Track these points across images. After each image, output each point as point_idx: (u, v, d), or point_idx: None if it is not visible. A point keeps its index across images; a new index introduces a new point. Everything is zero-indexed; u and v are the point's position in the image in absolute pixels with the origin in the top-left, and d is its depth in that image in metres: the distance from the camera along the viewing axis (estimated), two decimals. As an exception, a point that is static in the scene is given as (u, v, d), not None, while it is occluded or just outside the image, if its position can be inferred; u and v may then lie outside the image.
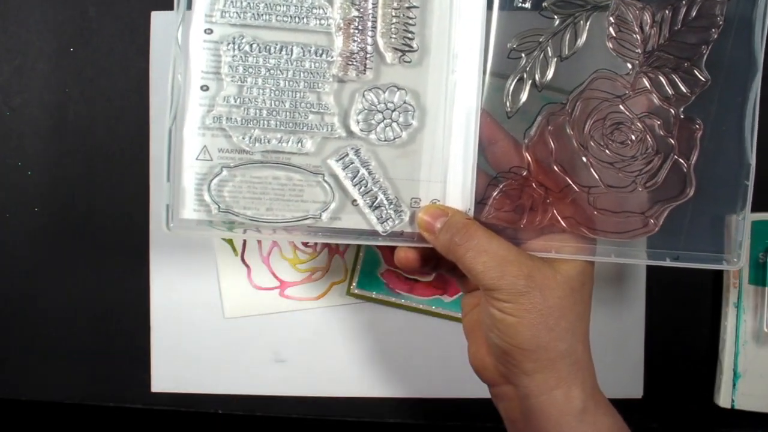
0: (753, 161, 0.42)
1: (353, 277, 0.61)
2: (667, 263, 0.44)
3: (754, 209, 0.56)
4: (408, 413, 0.62)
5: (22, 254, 0.61)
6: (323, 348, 0.61)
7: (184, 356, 0.61)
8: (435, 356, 0.61)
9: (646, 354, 0.61)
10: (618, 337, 0.60)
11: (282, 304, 0.61)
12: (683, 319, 0.61)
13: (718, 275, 0.60)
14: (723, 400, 0.59)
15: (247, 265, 0.61)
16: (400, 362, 0.61)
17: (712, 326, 0.61)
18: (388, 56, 0.43)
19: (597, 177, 0.43)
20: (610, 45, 0.42)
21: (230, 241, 0.60)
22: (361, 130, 0.43)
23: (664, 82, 0.42)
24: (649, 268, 0.60)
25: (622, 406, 0.60)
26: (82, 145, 0.60)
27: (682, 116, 0.43)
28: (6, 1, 0.60)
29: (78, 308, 0.61)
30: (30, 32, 0.60)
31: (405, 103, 0.43)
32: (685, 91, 0.42)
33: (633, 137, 0.43)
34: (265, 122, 0.43)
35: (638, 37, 0.42)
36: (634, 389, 0.61)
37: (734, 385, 0.58)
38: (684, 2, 0.42)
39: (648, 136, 0.42)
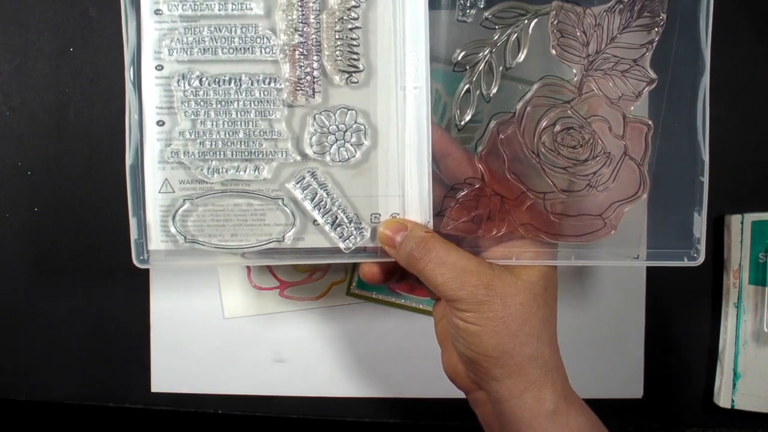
0: (706, 158, 0.42)
1: (353, 277, 0.62)
2: (627, 263, 0.44)
3: (754, 209, 0.56)
4: (408, 413, 0.63)
5: (22, 254, 0.62)
6: (323, 348, 0.62)
7: (183, 356, 0.62)
8: (435, 356, 0.61)
9: (646, 354, 0.61)
10: (618, 337, 0.60)
11: (282, 304, 0.62)
12: (683, 319, 0.61)
13: (718, 275, 0.60)
14: (723, 400, 0.59)
15: (246, 265, 0.61)
16: (399, 362, 0.62)
17: (712, 326, 0.61)
18: (336, 79, 0.43)
19: (551, 183, 0.43)
20: (553, 51, 0.42)
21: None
22: (315, 153, 0.44)
23: (610, 84, 0.42)
24: (649, 268, 0.60)
25: (622, 406, 0.61)
26: (82, 145, 0.61)
27: (631, 117, 0.43)
28: (6, 1, 0.60)
29: (78, 308, 0.62)
30: (30, 32, 0.60)
31: (356, 123, 0.44)
32: (632, 91, 0.42)
33: (583, 141, 0.43)
34: (221, 153, 0.44)
35: (581, 42, 0.42)
36: (634, 389, 0.61)
37: (734, 385, 0.58)
38: (625, 2, 0.42)
39: (598, 139, 0.43)
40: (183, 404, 0.62)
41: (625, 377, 0.60)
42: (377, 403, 0.62)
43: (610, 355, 0.60)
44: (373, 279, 0.46)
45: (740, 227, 0.57)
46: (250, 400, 0.62)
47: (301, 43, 0.43)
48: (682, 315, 0.61)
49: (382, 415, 0.62)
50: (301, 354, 0.62)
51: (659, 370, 0.61)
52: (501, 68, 0.43)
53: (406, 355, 0.62)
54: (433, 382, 0.61)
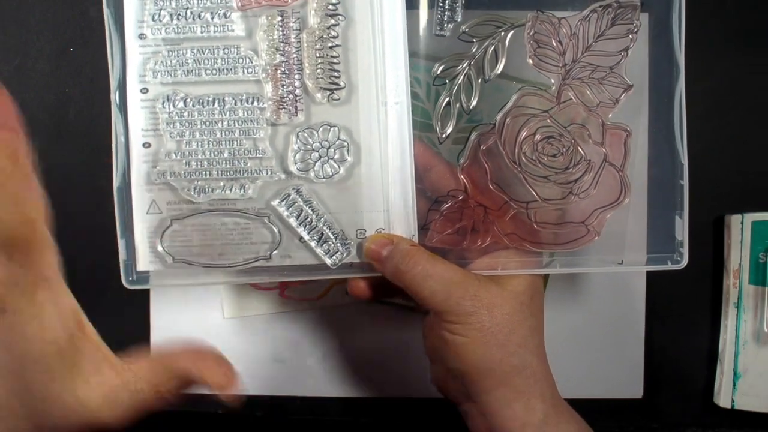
0: (685, 161, 0.43)
1: (353, 277, 0.61)
2: (612, 269, 0.45)
3: (754, 209, 0.56)
4: (407, 413, 0.62)
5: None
6: (323, 348, 0.62)
7: (184, 356, 0.62)
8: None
9: (646, 354, 0.60)
10: (618, 337, 0.60)
11: (282, 304, 0.61)
12: (683, 319, 0.60)
13: (718, 275, 0.60)
14: (723, 400, 0.58)
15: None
16: (400, 362, 0.61)
17: (712, 326, 0.60)
18: (317, 96, 0.44)
19: (533, 192, 0.43)
20: (531, 62, 0.43)
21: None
22: (300, 170, 0.44)
23: (588, 92, 0.43)
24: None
25: (622, 406, 0.61)
26: (82, 145, 0.60)
27: (610, 123, 0.43)
28: (6, 1, 0.60)
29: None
30: (30, 32, 0.60)
31: (339, 139, 0.44)
32: (609, 98, 0.43)
33: (564, 149, 0.43)
34: (207, 173, 0.44)
35: (557, 51, 0.43)
36: (634, 389, 0.60)
37: (734, 385, 0.58)
38: (598, 11, 0.42)
39: (578, 147, 0.43)
40: (183, 404, 0.62)
41: (624, 377, 0.60)
42: (377, 403, 0.62)
43: (609, 355, 0.60)
44: (360, 295, 0.46)
45: (740, 227, 0.57)
46: (250, 400, 0.62)
47: (283, 62, 0.44)
48: (681, 315, 0.60)
49: (382, 415, 0.62)
50: (301, 354, 0.62)
51: (659, 370, 0.60)
52: (480, 80, 0.43)
53: (406, 355, 0.61)
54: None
